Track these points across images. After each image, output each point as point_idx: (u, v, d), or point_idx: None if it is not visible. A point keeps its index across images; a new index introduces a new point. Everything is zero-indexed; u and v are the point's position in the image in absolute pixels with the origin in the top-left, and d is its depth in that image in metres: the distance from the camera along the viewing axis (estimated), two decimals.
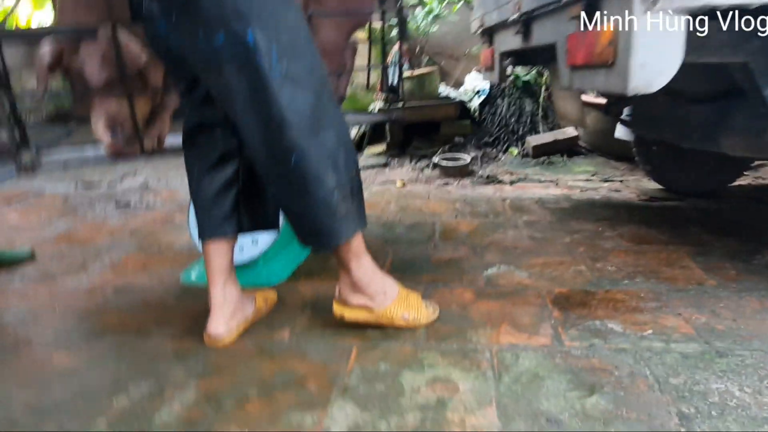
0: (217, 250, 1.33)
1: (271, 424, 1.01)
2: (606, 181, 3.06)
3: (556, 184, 3.02)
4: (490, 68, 2.42)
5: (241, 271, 1.70)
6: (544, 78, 3.82)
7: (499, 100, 3.98)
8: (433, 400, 1.06)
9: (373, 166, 3.64)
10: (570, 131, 3.58)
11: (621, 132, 2.67)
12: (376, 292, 1.32)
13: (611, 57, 1.14)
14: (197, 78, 1.21)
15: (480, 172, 3.34)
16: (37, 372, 1.23)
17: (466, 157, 3.45)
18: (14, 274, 1.85)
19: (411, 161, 3.73)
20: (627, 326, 1.32)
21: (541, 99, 3.78)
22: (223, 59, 1.09)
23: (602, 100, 2.80)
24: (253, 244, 1.71)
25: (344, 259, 1.29)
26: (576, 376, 1.12)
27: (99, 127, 1.29)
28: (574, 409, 1.02)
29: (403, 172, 3.51)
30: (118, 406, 1.08)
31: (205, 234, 1.34)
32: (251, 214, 1.38)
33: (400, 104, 2.61)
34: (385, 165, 3.70)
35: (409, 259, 1.87)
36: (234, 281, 1.37)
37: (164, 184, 3.36)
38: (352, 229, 1.24)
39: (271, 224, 1.46)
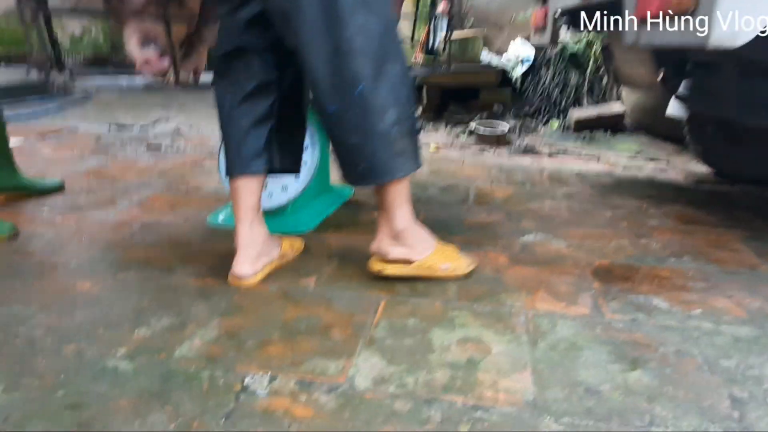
0: (246, 188, 1.28)
1: (293, 367, 0.97)
2: (651, 160, 2.92)
3: (598, 160, 2.89)
4: (541, 29, 2.28)
5: (268, 217, 1.66)
6: (593, 50, 3.63)
7: (542, 71, 3.81)
8: (464, 359, 1.00)
9: None
10: (616, 107, 3.41)
11: (674, 109, 2.51)
12: (416, 242, 1.27)
13: (692, 3, 1.02)
14: None
15: (518, 142, 3.22)
16: (60, 297, 1.21)
17: (504, 126, 3.32)
18: (44, 203, 1.84)
19: (446, 126, 3.62)
20: (673, 304, 1.24)
21: (588, 71, 3.61)
22: None
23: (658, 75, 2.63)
24: (282, 190, 1.66)
25: (390, 204, 1.23)
26: (617, 349, 1.05)
27: (132, 43, 1.24)
28: (615, 381, 0.95)
29: (437, 136, 3.41)
30: (139, 337, 1.05)
31: (234, 170, 1.28)
32: (282, 154, 1.33)
33: (443, 67, 2.52)
34: (420, 128, 3.60)
35: (441, 220, 1.80)
36: (261, 221, 1.32)
37: (196, 130, 3.33)
38: (408, 167, 1.20)
39: (297, 167, 1.41)
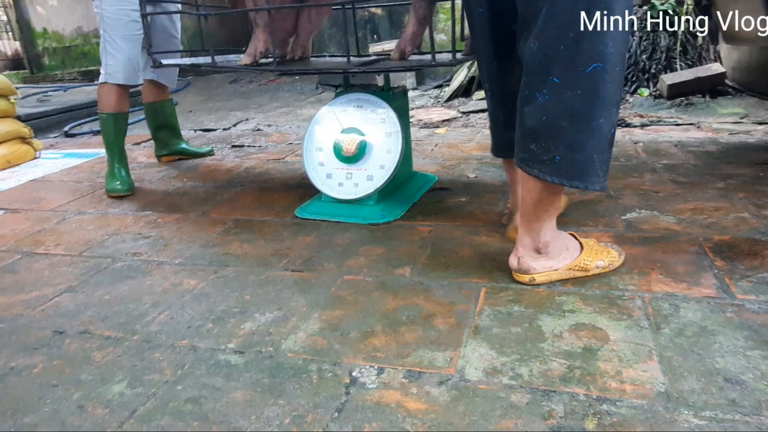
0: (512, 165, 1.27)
1: (399, 358, 0.95)
2: (761, 123, 2.64)
3: (698, 127, 2.66)
4: None
5: (355, 207, 1.65)
6: (684, 7, 3.33)
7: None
8: (580, 347, 0.94)
9: (483, 110, 3.44)
10: (715, 67, 3.11)
11: None
12: (559, 252, 1.16)
13: None
14: None
15: None
16: (169, 294, 1.26)
17: None
18: (145, 207, 1.94)
19: None
20: None
21: (680, 31, 3.31)
22: None
23: None
24: (368, 180, 1.64)
25: (540, 215, 1.12)
26: (756, 334, 0.94)
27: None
28: (759, 370, 0.85)
29: None
30: (246, 331, 1.08)
31: (496, 151, 1.40)
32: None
33: None
34: None
35: None
36: None
37: (274, 128, 3.41)
38: (601, 181, 1.04)
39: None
